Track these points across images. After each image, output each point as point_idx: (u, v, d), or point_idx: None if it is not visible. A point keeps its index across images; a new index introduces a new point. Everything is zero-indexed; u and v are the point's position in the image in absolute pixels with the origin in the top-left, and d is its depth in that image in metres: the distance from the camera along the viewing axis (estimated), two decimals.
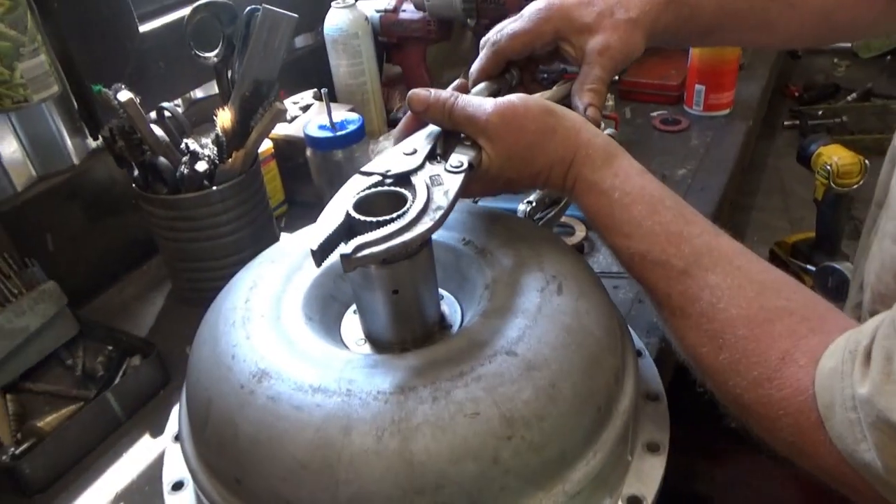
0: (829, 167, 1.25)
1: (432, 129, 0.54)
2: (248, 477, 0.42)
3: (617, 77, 1.37)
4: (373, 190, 0.48)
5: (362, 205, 0.46)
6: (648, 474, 0.47)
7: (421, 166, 0.50)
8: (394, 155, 0.51)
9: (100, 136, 0.84)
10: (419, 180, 0.49)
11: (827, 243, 1.27)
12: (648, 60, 1.33)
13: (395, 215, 0.44)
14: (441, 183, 0.48)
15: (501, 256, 0.52)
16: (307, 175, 1.00)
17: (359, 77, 1.13)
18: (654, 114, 1.25)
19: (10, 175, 0.82)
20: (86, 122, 0.87)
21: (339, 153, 0.95)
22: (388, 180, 0.49)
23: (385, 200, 0.47)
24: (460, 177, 0.49)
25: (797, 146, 1.45)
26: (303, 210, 1.07)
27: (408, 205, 0.46)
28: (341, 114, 0.98)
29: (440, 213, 0.45)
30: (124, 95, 0.71)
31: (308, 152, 0.97)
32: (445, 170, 0.49)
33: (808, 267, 1.25)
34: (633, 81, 1.29)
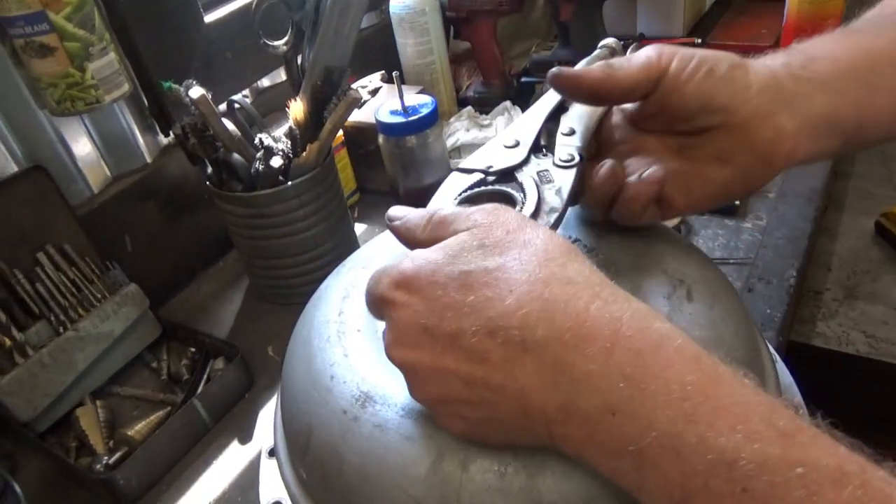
0: None
1: (533, 116, 0.48)
2: None
3: (700, 40, 1.27)
4: (476, 190, 0.43)
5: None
6: None
7: (526, 161, 0.44)
8: (494, 148, 0.46)
9: (171, 134, 0.82)
10: (526, 177, 0.43)
11: None
12: (736, 20, 1.23)
13: None
14: (551, 180, 0.43)
15: (616, 257, 0.46)
16: (378, 162, 0.96)
17: (427, 56, 1.08)
18: None
19: (86, 177, 0.81)
20: (157, 119, 0.85)
21: (413, 139, 0.90)
22: (491, 178, 0.44)
23: (491, 201, 0.42)
24: (572, 172, 0.43)
25: None
26: (375, 198, 1.03)
27: (518, 207, 0.41)
28: (412, 97, 0.93)
29: (555, 216, 0.40)
30: (196, 92, 0.69)
31: (380, 139, 0.93)
32: (554, 164, 0.44)
33: None
34: (721, 45, 1.19)
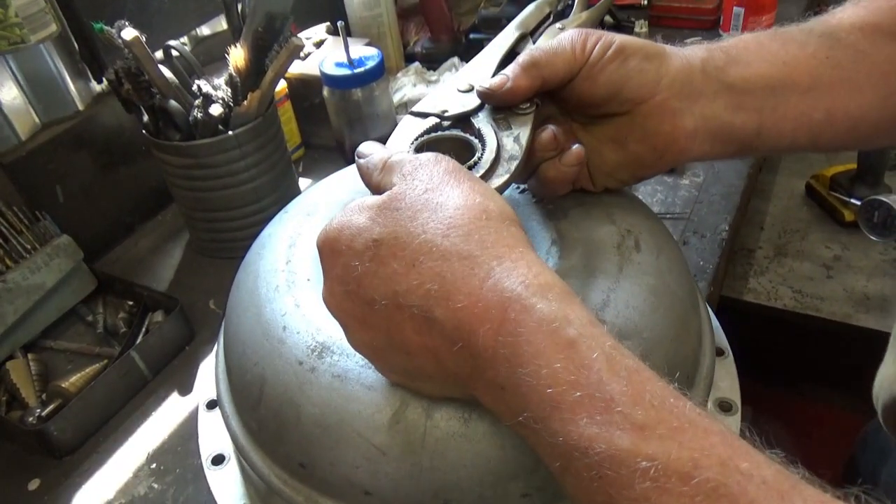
0: None
1: (487, 59, 0.48)
2: (315, 463, 0.38)
3: (646, 1, 1.28)
4: (434, 135, 0.42)
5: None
6: None
7: (481, 106, 0.44)
8: (448, 93, 0.45)
9: (104, 80, 0.79)
10: (482, 123, 0.43)
11: (870, 175, 1.20)
12: None
13: (465, 167, 0.38)
14: (509, 127, 0.42)
15: (565, 206, 0.46)
16: (324, 116, 0.95)
17: (374, 8, 1.06)
18: (688, 40, 1.16)
19: (12, 123, 0.77)
20: (88, 65, 0.81)
21: (358, 92, 0.89)
22: (446, 123, 0.43)
23: (449, 148, 0.41)
24: (529, 117, 0.43)
25: None
26: (320, 153, 1.02)
27: (477, 154, 0.40)
28: (358, 49, 0.91)
29: (515, 163, 0.40)
30: (129, 34, 0.66)
31: (325, 92, 0.91)
32: (511, 110, 0.43)
33: (851, 200, 1.20)
34: (666, 6, 1.21)
